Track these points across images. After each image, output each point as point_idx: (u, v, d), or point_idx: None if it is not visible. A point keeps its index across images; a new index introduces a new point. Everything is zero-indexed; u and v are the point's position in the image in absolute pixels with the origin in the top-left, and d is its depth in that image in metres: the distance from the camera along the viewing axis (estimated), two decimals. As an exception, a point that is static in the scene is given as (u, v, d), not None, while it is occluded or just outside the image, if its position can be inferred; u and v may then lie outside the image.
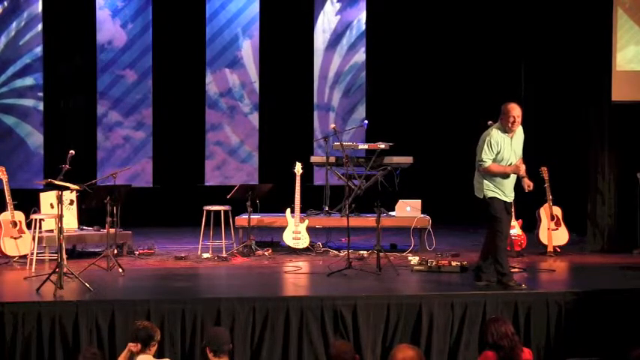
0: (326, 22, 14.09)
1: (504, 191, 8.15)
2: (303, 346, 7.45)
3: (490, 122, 9.17)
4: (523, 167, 8.18)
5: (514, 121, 8.01)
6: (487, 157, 8.04)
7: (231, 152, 13.97)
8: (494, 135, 8.07)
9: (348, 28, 14.12)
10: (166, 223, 12.84)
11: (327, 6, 14.05)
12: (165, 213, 13.14)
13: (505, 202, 8.19)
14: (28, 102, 13.29)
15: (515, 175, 8.22)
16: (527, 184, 8.40)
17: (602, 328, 7.68)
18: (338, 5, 14.05)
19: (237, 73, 13.93)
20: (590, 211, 11.09)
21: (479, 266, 8.32)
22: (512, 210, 8.86)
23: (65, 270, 8.07)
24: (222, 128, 13.94)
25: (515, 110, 8.03)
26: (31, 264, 9.24)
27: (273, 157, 13.57)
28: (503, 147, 8.06)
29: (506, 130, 8.07)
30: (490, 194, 8.12)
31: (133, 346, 6.13)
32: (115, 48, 13.55)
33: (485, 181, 8.13)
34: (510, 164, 8.11)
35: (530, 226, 10.72)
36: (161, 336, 7.18)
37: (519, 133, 8.20)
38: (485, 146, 8.04)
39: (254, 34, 13.89)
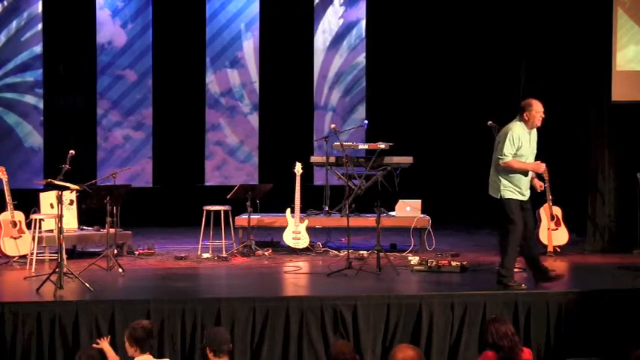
0: (326, 22, 14.09)
1: (521, 190, 8.10)
2: (303, 346, 7.46)
3: (490, 122, 9.18)
4: (543, 166, 8.15)
5: (542, 118, 8.04)
6: (508, 152, 7.97)
7: (231, 152, 13.97)
8: (516, 130, 8.02)
9: (349, 29, 14.12)
10: (166, 223, 12.85)
11: (330, 7, 14.05)
12: (165, 213, 13.14)
13: (522, 200, 8.14)
14: (28, 102, 13.29)
15: (531, 173, 8.21)
16: (539, 185, 8.37)
17: (602, 328, 7.68)
18: (341, 9, 14.04)
19: (237, 73, 13.93)
20: (590, 211, 11.10)
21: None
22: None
23: (65, 270, 8.08)
24: (222, 128, 13.94)
25: (541, 106, 8.06)
26: (31, 264, 9.24)
27: (273, 157, 13.57)
28: (524, 143, 8.03)
29: (530, 125, 8.06)
30: (507, 194, 8.06)
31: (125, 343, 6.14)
32: (115, 48, 13.55)
33: (503, 181, 8.07)
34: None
35: (530, 226, 10.71)
36: (161, 336, 7.21)
37: (534, 131, 8.19)
38: (507, 141, 7.97)
39: (254, 34, 13.89)
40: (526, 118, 8.04)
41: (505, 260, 8.13)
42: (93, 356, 6.08)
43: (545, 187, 10.30)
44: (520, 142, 8.00)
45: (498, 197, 8.09)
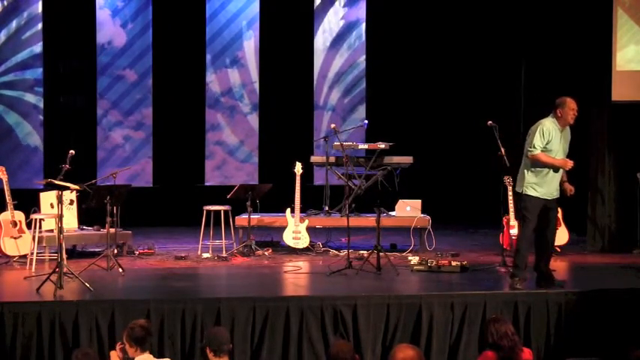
0: (326, 22, 14.09)
1: (546, 188, 8.11)
2: (303, 346, 7.46)
3: (490, 122, 9.18)
4: (571, 163, 8.11)
5: (574, 115, 8.08)
6: (538, 144, 8.02)
7: (231, 152, 13.97)
8: (547, 124, 8.09)
9: (349, 28, 14.12)
10: (166, 223, 12.84)
11: (330, 7, 14.04)
12: (165, 213, 13.13)
13: (546, 199, 8.13)
14: (28, 102, 13.29)
15: (561, 174, 8.19)
16: (570, 189, 8.34)
17: (602, 328, 7.68)
18: (341, 9, 14.04)
19: (237, 73, 13.92)
20: (590, 211, 11.09)
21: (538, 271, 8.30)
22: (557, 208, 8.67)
23: (65, 270, 8.08)
24: (222, 128, 13.93)
25: (575, 104, 8.10)
26: (31, 264, 9.24)
27: (273, 157, 13.57)
28: (554, 138, 8.06)
29: (561, 122, 8.09)
30: (527, 191, 8.11)
31: (125, 345, 6.11)
32: (115, 48, 13.54)
33: (527, 176, 8.12)
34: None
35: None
36: (161, 336, 7.21)
37: (567, 131, 8.22)
38: (538, 133, 8.04)
39: (254, 33, 13.89)
40: (559, 115, 8.08)
41: (516, 257, 8.23)
42: (89, 354, 6.08)
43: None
44: (550, 136, 8.05)
45: (520, 191, 8.17)
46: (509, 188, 10.10)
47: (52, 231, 9.59)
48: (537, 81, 12.51)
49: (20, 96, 13.27)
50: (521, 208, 8.21)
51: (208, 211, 10.42)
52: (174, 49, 13.62)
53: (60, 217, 8.22)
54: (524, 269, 8.19)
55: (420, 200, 11.04)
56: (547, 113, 8.20)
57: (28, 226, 9.72)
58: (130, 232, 10.52)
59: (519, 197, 8.25)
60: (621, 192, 10.95)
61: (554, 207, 8.27)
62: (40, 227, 9.60)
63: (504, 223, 10.19)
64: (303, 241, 10.58)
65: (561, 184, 8.28)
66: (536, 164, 8.08)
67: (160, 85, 13.65)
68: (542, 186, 8.11)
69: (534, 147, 8.04)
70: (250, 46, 13.90)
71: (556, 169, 8.12)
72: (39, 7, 13.24)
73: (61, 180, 8.50)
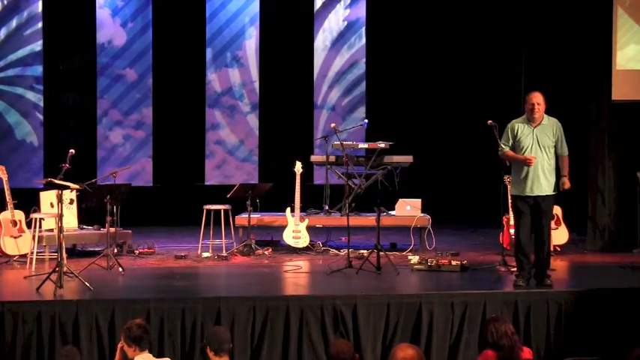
0: (327, 21, 14.08)
1: (526, 185, 8.14)
2: (303, 346, 7.46)
3: (490, 122, 9.18)
4: (531, 159, 8.06)
5: (533, 108, 8.13)
6: (503, 144, 8.30)
7: (231, 151, 13.97)
8: (512, 123, 8.29)
9: (349, 28, 14.11)
10: (166, 223, 12.84)
11: (330, 7, 14.03)
12: (165, 212, 13.13)
13: (532, 197, 8.14)
14: (28, 101, 13.28)
15: (542, 170, 8.15)
16: (564, 182, 8.35)
17: (602, 328, 7.68)
18: (341, 9, 14.03)
19: (237, 72, 13.92)
20: (590, 210, 11.09)
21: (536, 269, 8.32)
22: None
23: (65, 269, 8.08)
24: (222, 127, 13.93)
25: (536, 98, 8.16)
26: (31, 263, 9.24)
27: (273, 157, 13.57)
28: (523, 135, 8.15)
29: (529, 118, 8.17)
30: (512, 191, 8.42)
31: (123, 346, 6.10)
32: (115, 47, 13.54)
33: (512, 176, 8.36)
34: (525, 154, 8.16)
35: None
36: (161, 336, 7.21)
37: (549, 125, 8.22)
38: (504, 133, 8.32)
39: (254, 33, 13.88)
40: (526, 113, 8.23)
41: (515, 256, 8.32)
42: (69, 350, 6.08)
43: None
44: (516, 133, 8.19)
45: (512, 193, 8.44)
46: (509, 187, 10.09)
47: (52, 230, 9.59)
48: (537, 80, 12.46)
49: (20, 95, 13.26)
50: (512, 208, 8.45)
51: (208, 211, 10.42)
52: (175, 49, 13.62)
53: (60, 216, 8.22)
54: (526, 268, 8.19)
55: (420, 199, 11.04)
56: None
57: (28, 225, 9.72)
58: (129, 231, 10.52)
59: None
60: (621, 192, 10.95)
61: (548, 207, 8.26)
62: (40, 226, 9.60)
63: (504, 222, 10.18)
64: (303, 241, 10.58)
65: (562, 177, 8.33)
66: (512, 163, 8.31)
67: (160, 85, 13.64)
68: (521, 184, 8.20)
69: (500, 147, 8.32)
70: (250, 45, 13.90)
71: (534, 166, 8.13)
72: (39, 7, 13.23)
73: (61, 179, 8.50)
